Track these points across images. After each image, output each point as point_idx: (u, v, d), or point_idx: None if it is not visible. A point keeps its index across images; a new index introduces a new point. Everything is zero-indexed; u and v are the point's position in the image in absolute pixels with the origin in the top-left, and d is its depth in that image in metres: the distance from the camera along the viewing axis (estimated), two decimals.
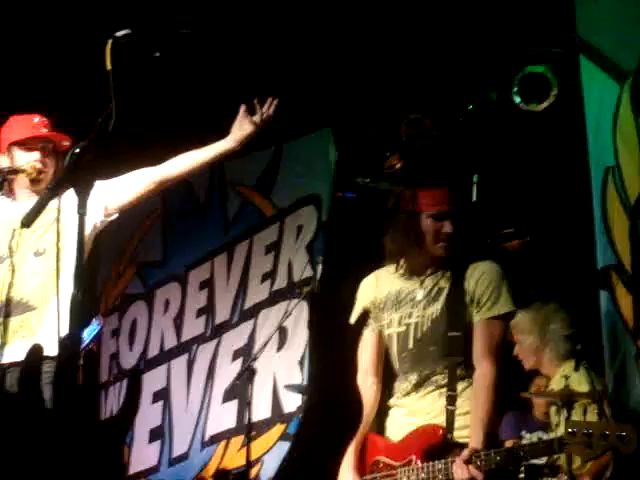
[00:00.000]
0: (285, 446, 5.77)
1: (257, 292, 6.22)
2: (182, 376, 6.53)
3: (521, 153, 5.81)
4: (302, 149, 6.19)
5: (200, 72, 5.63)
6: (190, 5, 4.91)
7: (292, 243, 6.10)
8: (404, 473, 3.50)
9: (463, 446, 3.40)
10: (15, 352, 3.86)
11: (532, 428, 5.08)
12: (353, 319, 3.80)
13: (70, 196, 3.01)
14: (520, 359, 5.13)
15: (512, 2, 5.17)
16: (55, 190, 2.96)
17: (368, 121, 6.08)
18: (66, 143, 4.00)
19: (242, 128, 3.85)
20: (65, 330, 2.87)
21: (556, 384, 4.95)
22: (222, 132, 3.89)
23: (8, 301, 3.90)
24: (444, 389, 3.56)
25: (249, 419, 5.14)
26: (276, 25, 5.38)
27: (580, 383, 4.89)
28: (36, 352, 1.20)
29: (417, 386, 3.63)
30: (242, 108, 3.85)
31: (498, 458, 3.28)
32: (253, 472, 5.78)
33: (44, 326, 3.81)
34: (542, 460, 4.49)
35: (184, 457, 6.38)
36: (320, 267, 5.40)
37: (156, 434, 6.54)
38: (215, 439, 6.18)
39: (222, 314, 6.42)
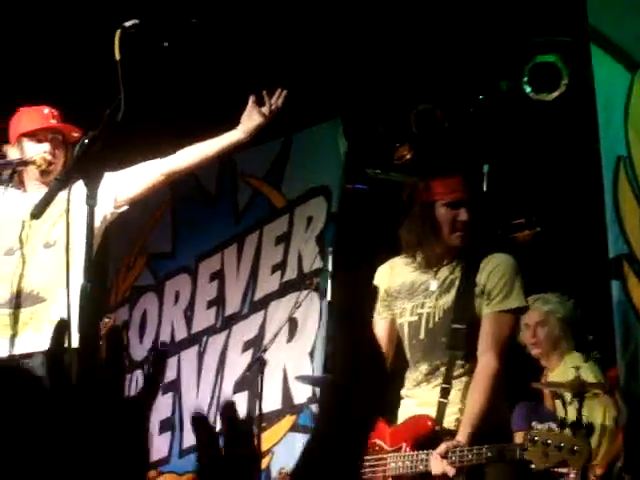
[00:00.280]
0: (295, 437, 5.78)
1: (267, 283, 6.21)
2: (192, 368, 6.54)
3: (532, 143, 5.79)
4: (312, 140, 6.18)
5: (209, 63, 5.62)
6: None
7: (302, 234, 6.09)
8: (392, 459, 3.54)
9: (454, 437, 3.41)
10: (26, 343, 3.87)
11: (543, 419, 5.06)
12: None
13: (80, 188, 3.02)
14: (524, 345, 5.15)
15: None
16: (64, 181, 2.96)
17: (378, 112, 6.06)
18: (76, 134, 4.00)
19: (251, 119, 3.84)
20: (75, 322, 2.88)
21: (562, 376, 4.95)
22: (231, 123, 3.88)
23: (19, 293, 3.90)
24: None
25: (259, 410, 5.14)
26: (286, 15, 5.36)
27: (590, 374, 4.89)
28: (62, 327, 1.19)
29: (428, 376, 3.62)
30: (251, 99, 3.84)
31: (470, 456, 3.28)
32: (264, 463, 5.79)
33: (54, 318, 3.81)
34: None
35: (194, 449, 6.37)
36: (330, 258, 5.38)
37: (166, 425, 6.55)
38: None
39: (232, 305, 6.41)
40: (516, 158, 5.94)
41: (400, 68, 5.66)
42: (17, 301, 3.89)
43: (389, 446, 3.59)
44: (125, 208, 4.05)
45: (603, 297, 4.26)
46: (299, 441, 5.73)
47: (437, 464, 3.34)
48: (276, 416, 5.89)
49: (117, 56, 2.91)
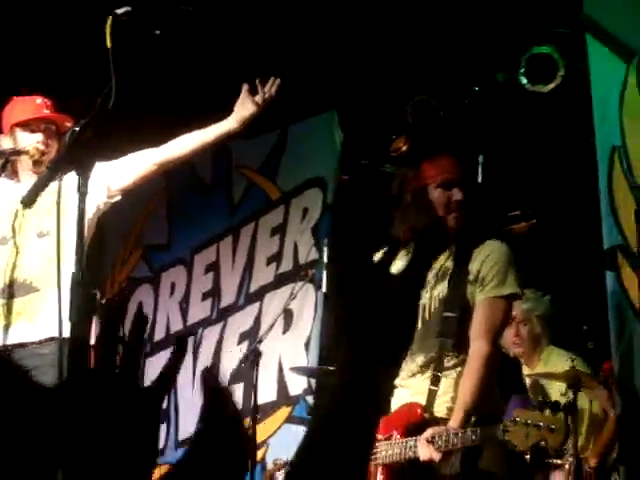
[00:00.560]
0: (291, 429, 5.78)
1: (263, 275, 6.21)
2: (188, 359, 6.54)
3: (527, 134, 5.78)
4: (307, 131, 6.17)
5: (202, 51, 5.60)
6: None
7: (297, 226, 6.08)
8: (383, 447, 3.52)
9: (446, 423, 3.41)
10: (19, 333, 3.86)
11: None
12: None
13: (71, 178, 3.01)
14: (505, 348, 5.02)
15: None
16: (55, 169, 2.95)
17: (374, 103, 6.05)
18: (69, 124, 3.98)
19: (244, 108, 3.82)
20: (66, 312, 2.87)
21: (541, 368, 4.98)
22: (225, 112, 3.86)
23: (12, 282, 3.89)
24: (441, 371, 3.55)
25: (255, 402, 5.14)
26: (281, 6, 5.35)
27: (583, 366, 4.90)
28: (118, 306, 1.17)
29: (423, 368, 3.61)
30: (244, 88, 3.82)
31: (455, 440, 3.27)
32: (260, 455, 5.79)
33: (47, 307, 3.80)
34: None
35: (190, 441, 6.37)
36: (326, 250, 5.38)
37: (162, 417, 6.55)
38: None
39: (228, 297, 6.41)
40: (512, 149, 5.93)
41: (396, 59, 5.65)
42: (10, 291, 3.87)
43: (381, 435, 3.59)
44: (118, 198, 4.03)
45: (598, 288, 4.26)
46: (294, 433, 5.74)
47: (424, 449, 3.33)
48: (271, 407, 5.89)
49: (108, 44, 2.89)
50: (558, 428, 3.16)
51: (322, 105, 6.03)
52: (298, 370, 5.57)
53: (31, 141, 3.99)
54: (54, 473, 1.07)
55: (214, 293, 6.51)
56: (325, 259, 5.51)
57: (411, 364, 3.65)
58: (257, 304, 6.19)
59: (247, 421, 5.79)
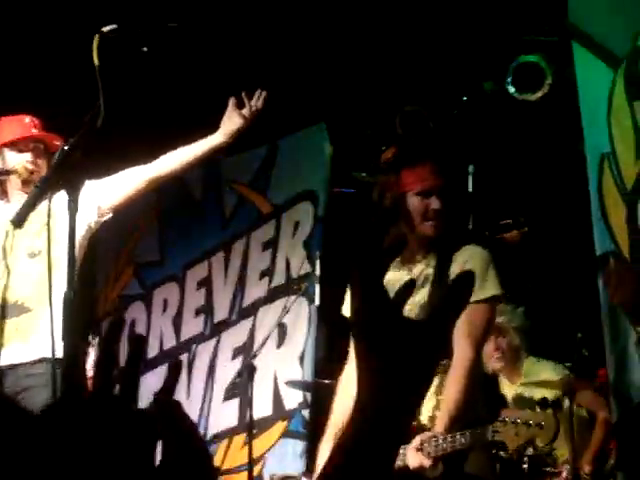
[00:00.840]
0: (287, 443, 5.75)
1: (255, 289, 6.20)
2: (182, 376, 6.51)
3: (517, 143, 5.79)
4: (297, 145, 6.17)
5: (189, 67, 5.61)
6: None
7: (289, 239, 6.07)
8: None
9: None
10: (12, 354, 3.85)
11: None
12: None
13: (61, 197, 3.00)
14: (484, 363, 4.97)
15: None
16: (44, 188, 2.94)
17: (363, 115, 6.06)
18: (58, 143, 3.96)
19: (232, 122, 3.82)
20: (59, 332, 2.85)
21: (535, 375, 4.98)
22: (213, 127, 3.87)
23: (4, 303, 3.88)
24: None
25: (250, 417, 5.12)
26: (269, 20, 5.36)
27: (564, 372, 4.90)
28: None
29: None
30: (231, 101, 3.83)
31: (445, 445, 3.25)
32: (256, 470, 5.76)
33: (40, 328, 3.78)
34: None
35: None
36: (318, 263, 5.37)
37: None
38: (217, 438, 6.16)
39: (221, 312, 6.39)
40: (502, 158, 5.94)
41: (384, 71, 5.67)
42: (2, 312, 3.86)
43: None
44: (109, 217, 4.03)
45: (591, 295, 4.25)
46: (291, 447, 5.71)
47: (413, 457, 3.30)
48: (267, 422, 5.86)
49: (96, 61, 2.89)
50: (547, 425, 3.14)
51: (311, 118, 6.03)
52: (293, 384, 5.55)
53: (20, 160, 3.99)
54: None
55: (207, 309, 6.49)
56: (317, 272, 5.49)
57: None
58: (250, 319, 6.17)
59: (243, 437, 5.80)
